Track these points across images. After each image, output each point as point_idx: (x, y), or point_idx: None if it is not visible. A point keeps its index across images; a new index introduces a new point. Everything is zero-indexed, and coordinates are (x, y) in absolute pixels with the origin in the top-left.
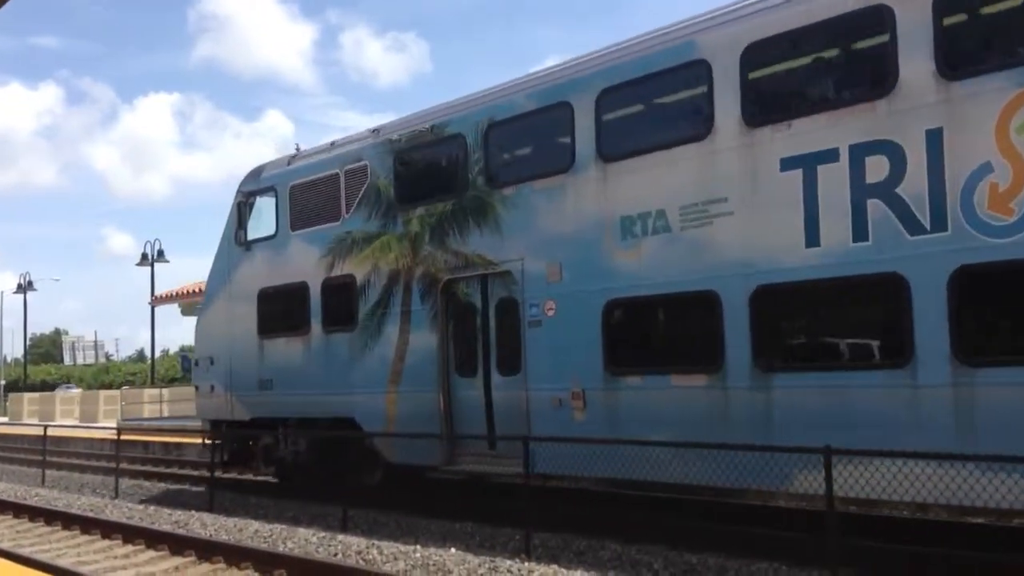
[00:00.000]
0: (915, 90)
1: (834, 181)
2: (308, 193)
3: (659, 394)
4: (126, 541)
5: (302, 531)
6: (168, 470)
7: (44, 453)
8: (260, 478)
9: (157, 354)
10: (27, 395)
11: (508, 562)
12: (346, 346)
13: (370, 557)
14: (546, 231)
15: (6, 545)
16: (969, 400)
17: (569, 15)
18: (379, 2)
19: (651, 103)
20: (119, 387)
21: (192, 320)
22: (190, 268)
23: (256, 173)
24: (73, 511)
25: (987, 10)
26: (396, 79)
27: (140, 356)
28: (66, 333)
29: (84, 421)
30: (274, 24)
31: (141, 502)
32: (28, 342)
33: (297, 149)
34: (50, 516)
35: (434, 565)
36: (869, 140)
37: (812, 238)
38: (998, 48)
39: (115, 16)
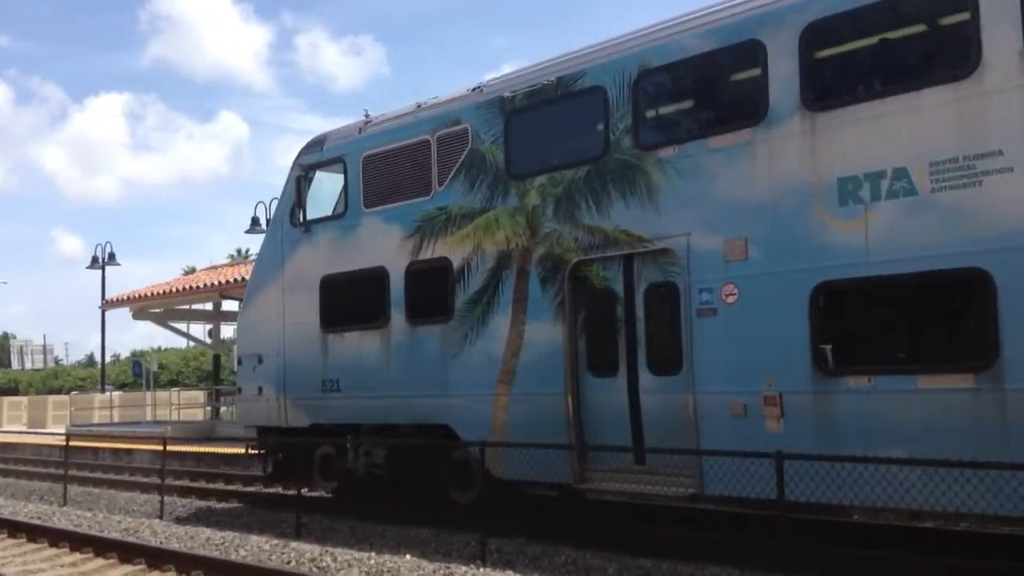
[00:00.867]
0: None
1: None
2: (387, 164)
3: (898, 400)
4: (74, 549)
5: (255, 538)
6: (119, 477)
7: None
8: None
9: (108, 359)
10: None
11: (463, 568)
12: (438, 341)
13: (324, 564)
14: (723, 199)
15: None
16: None
17: (526, 23)
18: (335, 5)
19: (882, 36)
20: (68, 392)
21: (144, 325)
22: (142, 271)
23: (317, 143)
24: (20, 519)
25: None
26: (353, 82)
27: (90, 361)
28: (14, 337)
29: (32, 427)
30: (228, 25)
31: (90, 509)
32: None
33: (367, 115)
34: None
35: (388, 572)
36: None
37: None
38: None
39: (65, 15)
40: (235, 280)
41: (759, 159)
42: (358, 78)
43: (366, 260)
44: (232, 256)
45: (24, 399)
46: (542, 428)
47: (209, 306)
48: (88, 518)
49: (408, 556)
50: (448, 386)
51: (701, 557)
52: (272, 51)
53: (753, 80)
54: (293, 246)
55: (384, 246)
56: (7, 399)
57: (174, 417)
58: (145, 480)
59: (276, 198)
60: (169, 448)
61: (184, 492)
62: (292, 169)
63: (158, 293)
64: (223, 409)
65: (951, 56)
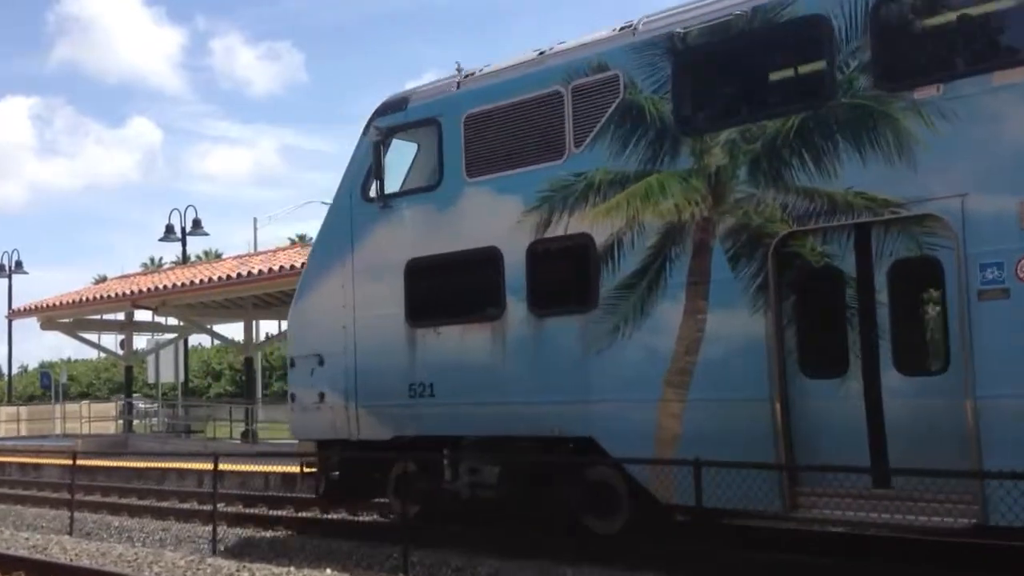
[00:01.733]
0: None
1: None
2: (499, 124)
3: None
4: None
5: (169, 555)
6: (26, 492)
7: None
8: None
9: (15, 370)
10: None
11: None
12: (576, 335)
13: None
14: (1017, 150)
15: None
16: None
17: (446, 33)
18: (251, 10)
19: None
20: None
21: (53, 336)
22: (52, 280)
23: (399, 103)
24: None
25: None
26: (270, 88)
27: None
28: None
29: None
30: (139, 28)
31: None
32: None
33: (458, 68)
34: None
35: None
36: None
37: None
38: None
39: None
40: (149, 289)
41: None
42: (275, 84)
43: (471, 239)
44: (145, 264)
45: None
46: (734, 442)
47: (121, 316)
48: None
49: (329, 570)
50: (591, 390)
51: (628, 564)
52: (186, 55)
53: None
54: (367, 225)
55: (496, 222)
56: None
57: (84, 430)
58: (55, 496)
59: (192, 205)
60: (80, 462)
61: (95, 507)
62: (365, 134)
63: (68, 303)
64: (136, 423)
65: None
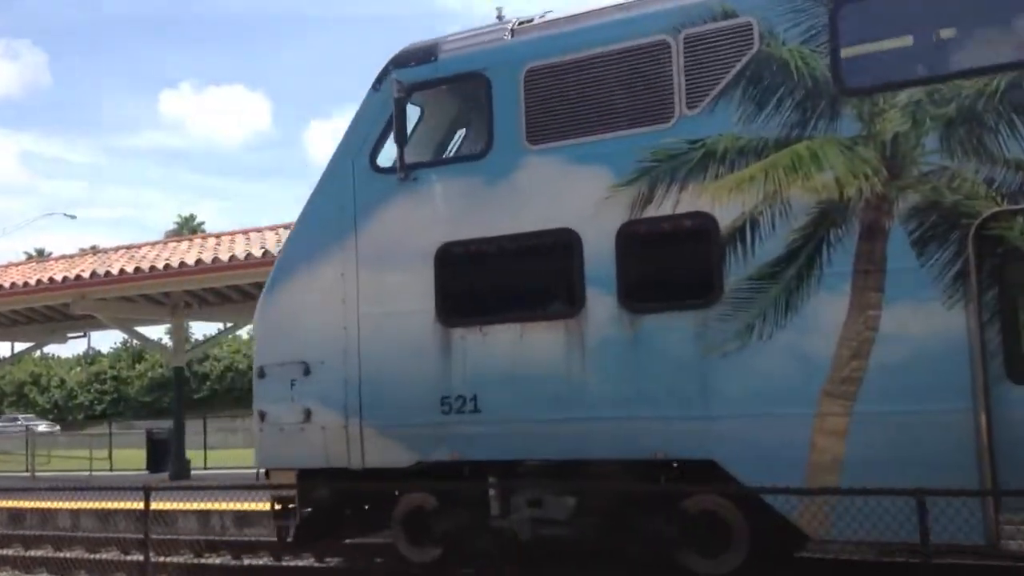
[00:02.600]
0: None
1: None
2: (575, 80)
3: None
4: None
5: None
6: None
7: None
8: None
9: None
10: None
11: None
12: (690, 335)
13: None
14: None
15: None
16: None
17: (197, 42)
18: None
19: None
20: None
21: None
22: None
23: (425, 53)
24: None
25: None
26: (8, 88)
27: None
28: None
29: None
30: None
31: None
32: None
33: (499, 15)
34: None
35: None
36: None
37: None
38: None
39: None
40: None
41: None
42: (14, 83)
43: (533, 220)
44: None
45: None
46: (918, 462)
47: None
48: None
49: None
50: (712, 402)
51: None
52: None
53: None
54: (378, 201)
55: (570, 199)
56: None
57: None
58: None
59: None
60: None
61: None
62: (377, 89)
63: None
64: None
65: None
